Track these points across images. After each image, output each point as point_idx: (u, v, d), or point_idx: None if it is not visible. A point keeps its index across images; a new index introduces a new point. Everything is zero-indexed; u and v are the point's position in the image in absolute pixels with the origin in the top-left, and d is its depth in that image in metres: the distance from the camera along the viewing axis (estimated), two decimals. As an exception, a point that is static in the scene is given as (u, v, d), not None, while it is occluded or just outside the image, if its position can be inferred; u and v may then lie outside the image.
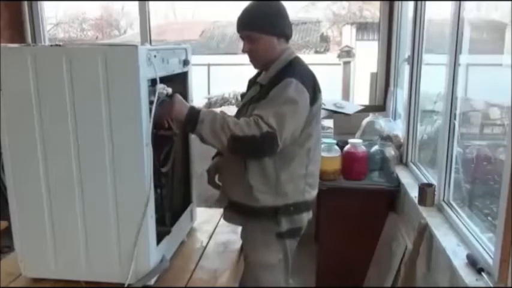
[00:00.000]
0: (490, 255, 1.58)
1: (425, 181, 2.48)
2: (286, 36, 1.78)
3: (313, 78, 1.75)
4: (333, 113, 3.32)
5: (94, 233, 1.42)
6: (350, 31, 8.77)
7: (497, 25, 2.25)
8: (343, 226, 2.77)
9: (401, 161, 2.99)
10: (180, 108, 1.55)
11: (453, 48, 2.07)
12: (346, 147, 2.85)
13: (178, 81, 1.67)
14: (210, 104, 4.80)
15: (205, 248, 1.80)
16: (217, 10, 9.32)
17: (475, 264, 1.60)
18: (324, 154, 2.56)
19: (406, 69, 3.13)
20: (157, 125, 1.45)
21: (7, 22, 3.67)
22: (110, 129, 1.33)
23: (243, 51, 1.79)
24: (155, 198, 1.43)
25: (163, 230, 1.54)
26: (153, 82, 1.38)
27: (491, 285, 1.47)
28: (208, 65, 7.68)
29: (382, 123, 3.12)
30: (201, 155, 1.97)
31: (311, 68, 1.81)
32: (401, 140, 3.03)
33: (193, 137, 1.87)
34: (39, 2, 3.87)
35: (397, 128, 3.16)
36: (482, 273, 1.53)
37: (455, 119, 2.13)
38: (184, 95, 1.69)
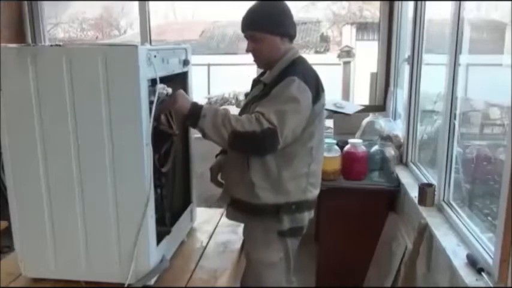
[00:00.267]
0: (490, 255, 1.58)
1: (425, 181, 2.48)
2: (290, 36, 1.80)
3: (316, 77, 1.77)
4: (333, 113, 3.32)
5: (94, 233, 1.42)
6: (350, 31, 8.77)
7: (497, 25, 2.25)
8: (343, 226, 2.77)
9: (401, 161, 2.99)
10: (183, 103, 1.56)
11: (453, 48, 2.07)
12: (346, 147, 2.85)
13: (178, 81, 1.67)
14: (210, 104, 4.80)
15: (205, 248, 1.80)
16: (217, 10, 9.31)
17: (475, 264, 1.60)
18: (324, 154, 2.56)
19: (406, 69, 3.13)
20: (158, 120, 1.46)
21: (7, 22, 3.66)
22: (110, 129, 1.33)
23: (247, 50, 1.80)
24: (155, 198, 1.43)
25: (163, 230, 1.54)
26: (153, 82, 1.38)
27: (491, 285, 1.47)
28: (208, 65, 7.68)
29: (382, 123, 3.12)
30: (201, 155, 1.97)
31: (312, 67, 1.82)
32: (401, 140, 3.03)
33: (193, 137, 1.87)
34: (39, 2, 3.88)
35: (397, 128, 3.16)
36: (482, 273, 1.53)
37: (455, 119, 2.13)
38: (185, 95, 1.69)
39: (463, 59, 2.09)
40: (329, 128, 3.55)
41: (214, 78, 7.49)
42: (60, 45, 1.34)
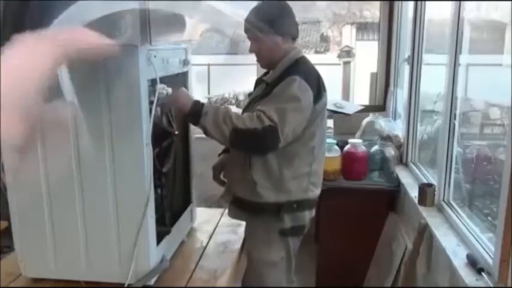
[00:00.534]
0: (490, 255, 1.58)
1: (425, 181, 2.48)
2: (292, 35, 1.81)
3: (317, 77, 1.78)
4: (333, 113, 3.32)
5: (94, 233, 1.42)
6: (350, 31, 8.78)
7: (497, 25, 2.26)
8: (343, 226, 2.77)
9: (401, 161, 2.99)
10: (185, 101, 1.59)
11: (453, 48, 2.07)
12: (346, 147, 2.85)
13: (178, 81, 1.68)
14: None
15: (205, 248, 1.80)
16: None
17: (475, 264, 1.60)
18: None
19: (406, 69, 3.13)
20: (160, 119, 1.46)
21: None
22: (109, 129, 1.33)
23: (250, 51, 1.82)
24: (155, 198, 1.43)
25: (163, 230, 1.54)
26: (153, 82, 1.38)
27: (491, 285, 1.47)
28: (208, 65, 7.68)
29: (382, 123, 3.12)
30: (201, 155, 1.97)
31: (312, 67, 1.83)
32: (401, 140, 3.03)
33: (193, 137, 1.87)
34: (39, 2, 3.87)
35: (397, 128, 3.16)
36: (482, 273, 1.53)
37: (455, 119, 2.13)
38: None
39: (463, 59, 2.09)
40: (329, 128, 3.55)
41: (214, 78, 7.49)
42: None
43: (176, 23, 1.55)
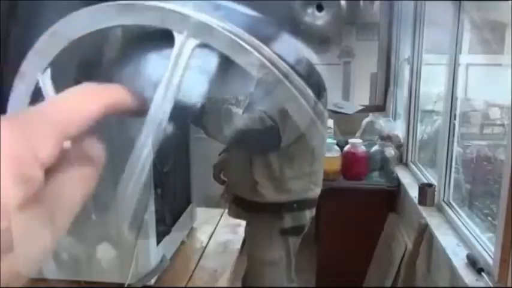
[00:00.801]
0: (490, 255, 1.58)
1: (425, 181, 2.48)
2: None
3: (317, 76, 1.77)
4: (333, 113, 3.32)
5: (94, 233, 1.42)
6: (350, 31, 8.77)
7: (497, 25, 2.25)
8: (343, 226, 2.77)
9: (401, 161, 2.99)
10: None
11: (453, 48, 2.07)
12: (346, 147, 2.85)
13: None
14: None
15: (205, 248, 1.80)
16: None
17: (475, 264, 1.60)
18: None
19: (406, 69, 3.13)
20: None
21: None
22: (110, 129, 1.33)
23: None
24: (155, 198, 1.43)
25: (163, 230, 1.54)
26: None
27: (491, 285, 1.47)
28: (209, 65, 7.67)
29: (382, 123, 3.12)
30: (201, 155, 1.97)
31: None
32: (401, 140, 3.03)
33: (193, 138, 1.87)
34: (39, 2, 3.87)
35: (397, 128, 3.16)
36: (482, 273, 1.53)
37: (455, 119, 2.13)
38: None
39: (463, 59, 2.09)
40: (329, 128, 3.55)
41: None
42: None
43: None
